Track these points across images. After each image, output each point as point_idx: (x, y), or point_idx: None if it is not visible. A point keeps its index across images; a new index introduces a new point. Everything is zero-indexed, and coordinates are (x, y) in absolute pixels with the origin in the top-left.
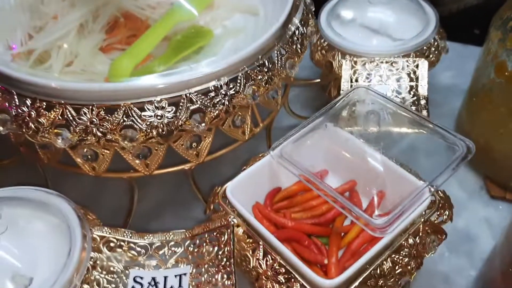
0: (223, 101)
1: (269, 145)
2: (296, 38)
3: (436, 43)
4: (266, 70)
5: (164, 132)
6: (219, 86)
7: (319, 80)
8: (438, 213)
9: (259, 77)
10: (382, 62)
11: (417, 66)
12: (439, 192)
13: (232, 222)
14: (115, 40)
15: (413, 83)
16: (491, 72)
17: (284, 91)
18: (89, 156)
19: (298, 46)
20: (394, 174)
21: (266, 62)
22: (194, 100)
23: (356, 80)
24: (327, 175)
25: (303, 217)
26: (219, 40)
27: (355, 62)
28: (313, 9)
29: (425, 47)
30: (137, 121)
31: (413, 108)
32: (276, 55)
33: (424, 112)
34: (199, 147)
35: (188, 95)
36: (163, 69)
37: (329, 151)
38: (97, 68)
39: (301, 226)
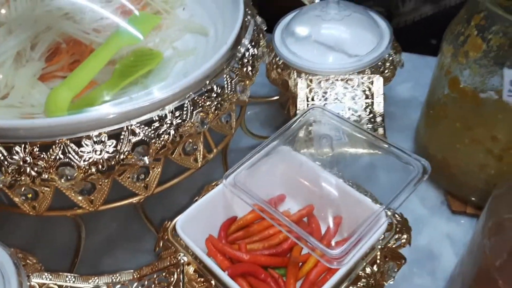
0: (169, 131)
1: (226, 169)
2: (246, 60)
3: (391, 58)
4: (215, 95)
5: (104, 168)
6: (163, 115)
7: (277, 97)
8: (396, 237)
9: (207, 104)
10: (337, 80)
11: (372, 83)
12: (396, 215)
13: (182, 260)
14: (56, 68)
15: (368, 100)
16: (445, 87)
17: (240, 112)
18: (29, 195)
19: (249, 68)
20: (350, 198)
21: (214, 87)
22: (137, 132)
23: (312, 99)
24: (284, 200)
25: (260, 248)
26: (169, 62)
27: (311, 81)
28: (265, 28)
29: (380, 63)
30: (74, 158)
31: (370, 126)
32: (225, 79)
33: (381, 130)
34: (148, 179)
35: (129, 127)
36: (108, 96)
37: (286, 175)
38: (36, 99)
39: (257, 259)
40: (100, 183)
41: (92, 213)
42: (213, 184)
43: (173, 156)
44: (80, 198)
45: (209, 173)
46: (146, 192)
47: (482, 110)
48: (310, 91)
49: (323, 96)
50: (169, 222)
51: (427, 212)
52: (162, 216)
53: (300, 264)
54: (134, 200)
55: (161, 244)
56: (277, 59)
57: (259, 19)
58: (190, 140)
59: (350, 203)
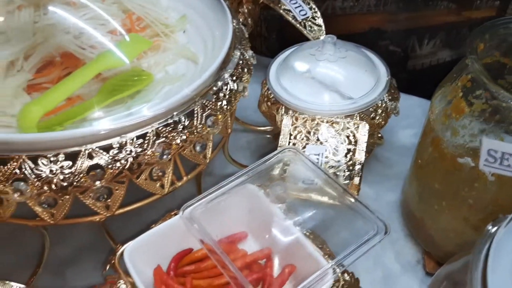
0: (127, 158)
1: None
2: (223, 94)
3: (384, 105)
4: (181, 127)
5: (58, 188)
6: (123, 143)
7: (271, 128)
8: None
9: (172, 135)
10: (322, 121)
11: (357, 129)
12: (346, 274)
13: None
14: (46, 80)
15: (351, 146)
16: (429, 144)
17: (220, 142)
18: None
19: (224, 103)
20: (303, 250)
21: (182, 118)
22: (94, 156)
23: (295, 137)
24: (246, 239)
25: (206, 285)
26: (157, 85)
27: (296, 119)
28: (254, 63)
29: (371, 109)
30: (30, 174)
31: (347, 173)
32: (195, 111)
33: (356, 179)
34: (110, 200)
35: (87, 150)
36: (91, 113)
37: (250, 214)
38: (17, 110)
39: None
40: (62, 198)
41: (56, 225)
42: (173, 213)
43: (138, 180)
44: (40, 210)
45: (186, 193)
46: (107, 212)
47: (460, 176)
48: (295, 129)
49: (306, 136)
50: (120, 246)
51: (400, 269)
52: (132, 230)
53: None
54: (96, 218)
55: (107, 268)
56: (269, 92)
57: (249, 53)
58: (158, 166)
59: (302, 255)
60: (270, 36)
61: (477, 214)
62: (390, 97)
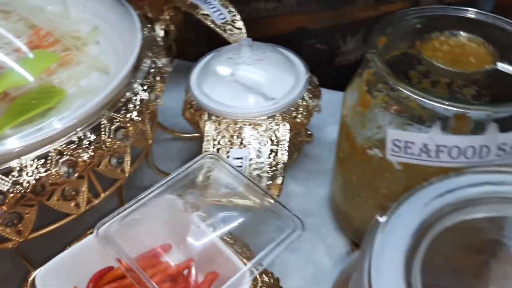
0: (29, 180)
1: None
2: (133, 106)
3: (305, 103)
4: (87, 143)
5: None
6: (23, 165)
7: (199, 134)
8: None
9: (77, 152)
10: (245, 125)
11: (278, 129)
12: (265, 275)
13: None
14: None
15: (273, 147)
16: (344, 140)
17: (143, 153)
18: None
19: (134, 114)
20: (222, 255)
21: (88, 134)
22: None
23: (219, 142)
24: (170, 250)
25: None
26: (69, 101)
27: (219, 123)
28: (169, 70)
29: (292, 108)
30: None
31: (270, 173)
32: (102, 126)
33: (279, 179)
34: (21, 225)
35: None
36: None
37: (171, 225)
38: None
39: None
40: None
41: None
42: (89, 232)
43: (50, 202)
44: None
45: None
46: (19, 238)
47: (371, 167)
48: (218, 133)
49: (230, 140)
50: (33, 272)
51: (331, 262)
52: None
53: None
54: (8, 245)
55: None
56: (192, 99)
57: (162, 61)
58: (69, 185)
59: (222, 260)
60: (199, 41)
61: (391, 202)
62: (311, 95)
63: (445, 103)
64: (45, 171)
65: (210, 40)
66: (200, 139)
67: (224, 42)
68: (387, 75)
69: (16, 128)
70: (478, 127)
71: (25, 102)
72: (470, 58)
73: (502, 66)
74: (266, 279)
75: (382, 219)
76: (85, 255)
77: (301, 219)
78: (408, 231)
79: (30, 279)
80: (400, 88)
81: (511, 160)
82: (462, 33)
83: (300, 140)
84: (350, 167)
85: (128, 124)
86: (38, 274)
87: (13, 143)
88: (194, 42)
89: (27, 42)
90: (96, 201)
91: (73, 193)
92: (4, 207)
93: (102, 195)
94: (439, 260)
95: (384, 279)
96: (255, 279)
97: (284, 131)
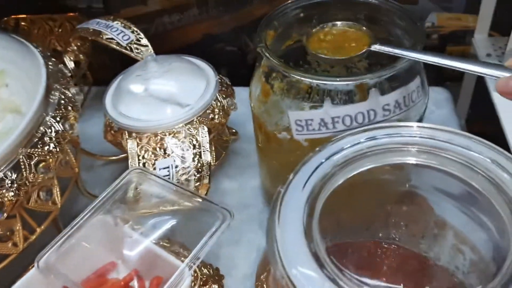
0: None
1: None
2: (49, 138)
3: (219, 104)
4: (10, 182)
5: None
6: None
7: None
8: None
9: (0, 193)
10: (165, 135)
11: (197, 133)
12: (204, 268)
13: None
14: None
15: (196, 150)
16: (258, 130)
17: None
18: None
19: (52, 146)
20: (160, 259)
21: (8, 173)
22: None
23: (143, 157)
24: (116, 267)
25: None
26: None
27: (140, 139)
28: (80, 98)
29: (208, 111)
30: None
31: (197, 175)
32: (22, 163)
33: (206, 180)
34: None
35: None
36: None
37: (110, 243)
38: None
39: None
40: None
41: None
42: (31, 266)
43: None
44: None
45: None
46: None
47: (285, 149)
48: (141, 149)
49: (153, 153)
50: None
51: None
52: None
53: None
54: None
55: None
56: (110, 121)
57: (72, 91)
58: (0, 227)
59: (162, 263)
60: (114, 65)
61: None
62: (224, 95)
63: (328, 79)
64: None
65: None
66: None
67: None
68: (277, 65)
69: None
70: (361, 95)
71: None
72: (351, 43)
73: (374, 47)
74: (205, 271)
75: (281, 190)
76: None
77: (229, 210)
78: (303, 197)
79: None
80: (290, 74)
81: (396, 118)
82: (342, 22)
83: (226, 139)
84: (269, 154)
85: (48, 157)
86: None
87: None
88: (109, 66)
89: None
90: (33, 237)
91: (8, 233)
92: None
93: (38, 230)
94: (346, 217)
95: (289, 246)
96: (195, 273)
97: (203, 134)
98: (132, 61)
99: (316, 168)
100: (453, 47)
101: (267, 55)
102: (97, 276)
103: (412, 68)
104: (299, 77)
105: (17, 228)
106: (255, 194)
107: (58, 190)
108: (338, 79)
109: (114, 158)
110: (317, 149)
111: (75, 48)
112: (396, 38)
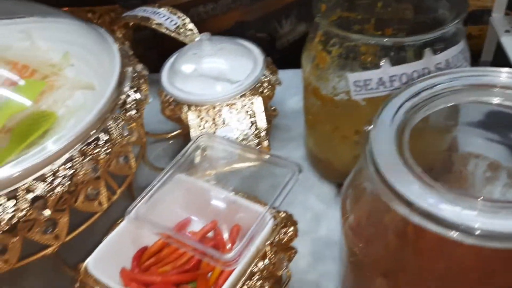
0: (63, 182)
1: None
2: (129, 106)
3: (267, 79)
4: (102, 142)
5: (8, 228)
6: (55, 169)
7: (180, 131)
8: (283, 231)
9: (96, 151)
10: (222, 106)
11: (252, 103)
12: (281, 213)
13: None
14: None
15: (252, 119)
16: (311, 96)
17: (139, 152)
18: None
19: (133, 112)
20: (241, 208)
21: (101, 135)
22: (32, 189)
23: (204, 127)
24: (190, 223)
25: (171, 269)
26: (62, 121)
27: (200, 111)
28: (147, 73)
29: (258, 85)
30: None
31: (256, 140)
32: (110, 126)
33: (265, 143)
34: (57, 230)
35: (24, 185)
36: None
37: (186, 200)
38: None
39: (168, 279)
40: (11, 242)
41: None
42: (119, 221)
43: (76, 204)
44: None
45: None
46: (57, 241)
47: (341, 111)
48: (201, 120)
49: (213, 123)
50: (82, 264)
51: (324, 206)
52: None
53: (210, 274)
54: (48, 251)
55: (77, 286)
56: (168, 97)
57: (139, 66)
58: (91, 186)
59: (242, 212)
60: (150, 55)
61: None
62: (270, 72)
63: (386, 39)
64: (75, 172)
65: (160, 53)
66: (181, 135)
67: (173, 51)
68: (337, 30)
69: (22, 154)
70: (417, 55)
71: (24, 129)
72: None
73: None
74: (283, 215)
75: (370, 128)
76: (121, 241)
77: (298, 163)
78: (392, 128)
79: (82, 269)
80: (351, 36)
81: None
82: None
83: (268, 114)
84: (322, 120)
85: (131, 121)
86: (89, 262)
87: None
88: (144, 56)
89: (6, 79)
90: (115, 197)
91: (95, 193)
92: (46, 210)
93: (118, 191)
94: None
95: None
96: (274, 218)
97: (258, 103)
98: (167, 53)
99: (400, 106)
100: (473, 26)
101: (328, 23)
102: (178, 227)
103: (458, 31)
104: (361, 40)
105: (102, 188)
106: (300, 163)
107: (133, 156)
108: (398, 38)
109: (171, 135)
110: (395, 93)
111: (120, 36)
112: (441, 8)
